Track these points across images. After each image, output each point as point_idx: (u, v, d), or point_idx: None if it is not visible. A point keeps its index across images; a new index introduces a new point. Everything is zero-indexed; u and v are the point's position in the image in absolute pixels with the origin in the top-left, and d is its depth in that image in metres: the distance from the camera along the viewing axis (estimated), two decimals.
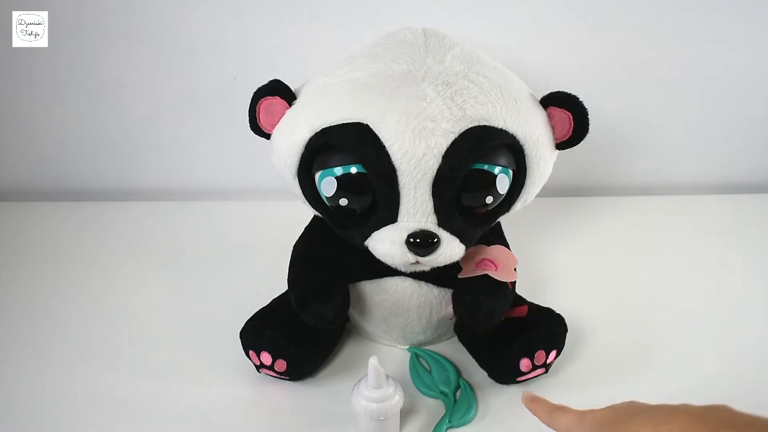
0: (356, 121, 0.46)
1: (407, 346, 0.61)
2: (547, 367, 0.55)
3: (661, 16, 0.78)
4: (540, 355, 0.53)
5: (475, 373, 0.57)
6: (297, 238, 0.61)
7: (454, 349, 0.60)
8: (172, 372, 0.59)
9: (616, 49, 0.80)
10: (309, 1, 0.77)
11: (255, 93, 0.50)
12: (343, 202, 0.48)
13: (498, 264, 0.53)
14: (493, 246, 0.55)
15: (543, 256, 0.76)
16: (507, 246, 0.58)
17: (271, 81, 0.50)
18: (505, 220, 0.56)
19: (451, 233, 0.48)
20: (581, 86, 0.84)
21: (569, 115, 0.50)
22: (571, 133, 0.50)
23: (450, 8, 0.77)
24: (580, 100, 0.50)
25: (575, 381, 0.57)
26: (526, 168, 0.49)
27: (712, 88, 0.84)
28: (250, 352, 0.55)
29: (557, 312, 0.58)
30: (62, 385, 0.58)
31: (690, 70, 0.82)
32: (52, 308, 0.68)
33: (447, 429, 0.52)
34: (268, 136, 0.52)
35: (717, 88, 0.84)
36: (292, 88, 0.51)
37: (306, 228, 0.62)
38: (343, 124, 0.46)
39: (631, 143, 0.90)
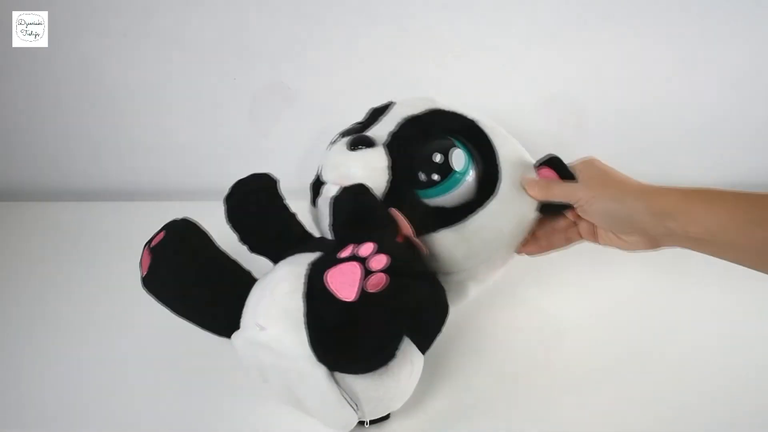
0: None
1: None
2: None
3: (661, 16, 0.78)
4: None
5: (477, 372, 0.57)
6: None
7: None
8: (171, 371, 0.59)
9: (616, 49, 0.80)
10: (309, 1, 0.77)
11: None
12: None
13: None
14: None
15: (543, 256, 0.76)
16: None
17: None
18: None
19: None
20: (582, 86, 0.85)
21: (553, 171, 0.55)
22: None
23: (450, 8, 0.77)
24: (560, 158, 0.55)
25: (575, 380, 0.57)
26: None
27: (713, 88, 0.84)
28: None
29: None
30: (62, 385, 0.58)
31: (690, 70, 0.82)
32: (51, 308, 0.68)
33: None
34: None
35: (718, 88, 0.84)
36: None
37: None
38: None
39: (631, 143, 0.90)
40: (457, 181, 0.53)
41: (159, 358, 0.61)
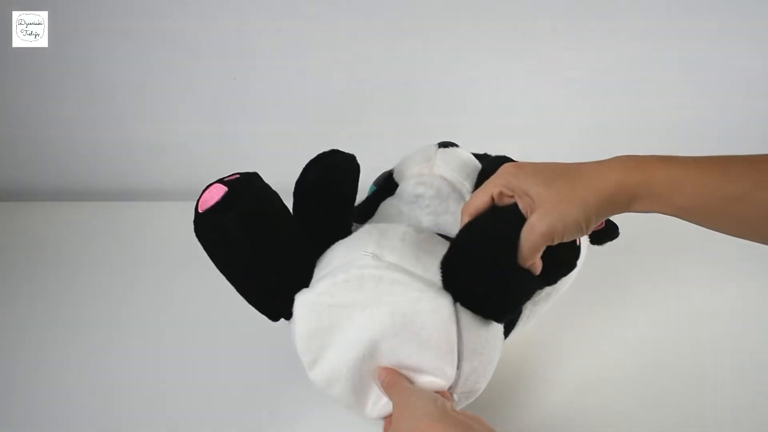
0: None
1: None
2: None
3: (661, 16, 0.78)
4: None
5: None
6: None
7: None
8: (171, 371, 0.59)
9: (616, 49, 0.80)
10: (308, 1, 0.77)
11: None
12: None
13: None
14: None
15: None
16: None
17: None
18: None
19: None
20: (582, 86, 0.85)
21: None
22: None
23: (449, 7, 0.77)
24: None
25: (565, 369, 0.58)
26: None
27: (712, 88, 0.84)
28: None
29: None
30: (62, 384, 0.58)
31: (690, 70, 0.82)
32: (52, 307, 0.68)
33: None
34: None
35: (717, 88, 0.84)
36: None
37: None
38: None
39: (632, 143, 0.89)
40: None
41: (157, 356, 0.61)
